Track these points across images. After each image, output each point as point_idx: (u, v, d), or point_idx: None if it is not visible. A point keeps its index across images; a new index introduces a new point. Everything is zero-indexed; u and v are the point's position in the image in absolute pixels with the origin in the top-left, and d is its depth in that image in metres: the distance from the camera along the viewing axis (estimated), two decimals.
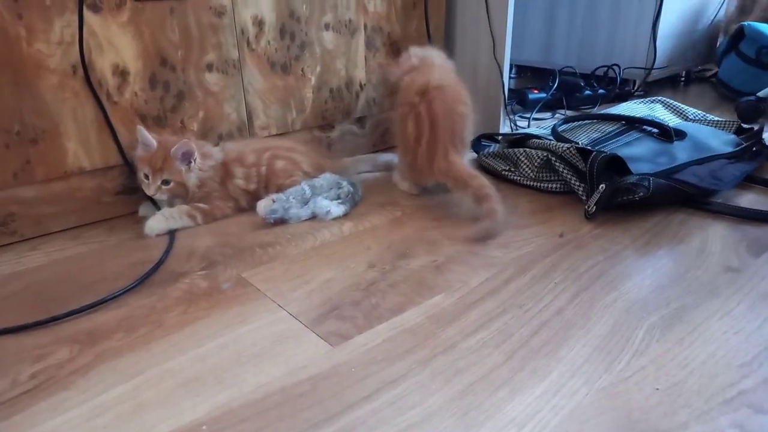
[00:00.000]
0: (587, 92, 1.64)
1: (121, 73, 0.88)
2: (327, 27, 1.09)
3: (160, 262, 0.80)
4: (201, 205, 0.92)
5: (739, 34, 1.63)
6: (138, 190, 0.92)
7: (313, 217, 0.93)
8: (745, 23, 1.61)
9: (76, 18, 0.82)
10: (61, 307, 0.69)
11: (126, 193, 0.95)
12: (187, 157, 0.89)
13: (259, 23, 1.00)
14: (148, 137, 0.87)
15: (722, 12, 1.90)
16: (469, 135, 1.01)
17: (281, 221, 0.91)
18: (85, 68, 0.84)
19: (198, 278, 0.76)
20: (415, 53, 1.05)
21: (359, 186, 1.00)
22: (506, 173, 1.09)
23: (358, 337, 0.63)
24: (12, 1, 0.77)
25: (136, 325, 0.66)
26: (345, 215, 0.94)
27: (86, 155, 0.89)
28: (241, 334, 0.64)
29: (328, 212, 0.92)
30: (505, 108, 1.29)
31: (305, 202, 0.93)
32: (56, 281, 0.77)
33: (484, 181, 0.90)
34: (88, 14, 0.83)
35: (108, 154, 0.91)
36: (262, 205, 0.91)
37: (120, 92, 0.89)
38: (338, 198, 0.95)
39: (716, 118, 1.23)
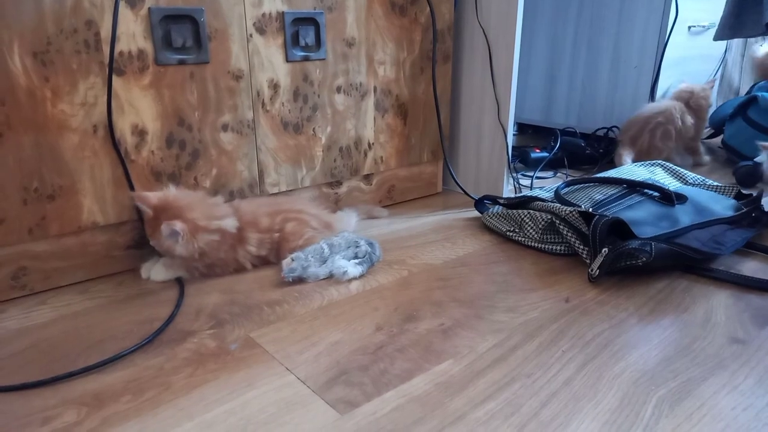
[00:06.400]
0: (588, 152, 1.68)
1: (140, 133, 0.91)
2: (339, 90, 1.13)
3: (169, 321, 0.80)
4: (201, 268, 0.93)
5: (750, 102, 1.64)
6: (147, 245, 0.93)
7: (331, 276, 0.94)
8: (759, 94, 1.63)
9: (100, 80, 0.85)
10: (68, 366, 0.69)
11: (136, 248, 0.97)
12: (174, 236, 0.87)
13: (275, 86, 1.04)
14: (143, 206, 0.88)
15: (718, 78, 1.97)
16: None
17: (299, 280, 0.92)
18: (112, 129, 0.87)
19: (206, 338, 0.76)
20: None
21: (377, 245, 1.00)
22: (510, 234, 1.10)
23: (366, 405, 0.62)
24: (41, 65, 0.80)
25: (144, 387, 0.66)
26: (361, 276, 0.94)
27: (100, 211, 0.90)
28: (249, 399, 0.64)
29: (345, 273, 0.92)
30: (509, 168, 1.32)
31: (324, 261, 0.94)
32: (64, 338, 0.77)
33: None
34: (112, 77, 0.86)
35: (121, 210, 0.92)
36: (283, 264, 0.92)
37: (138, 151, 0.91)
38: (355, 257, 0.95)
39: (716, 183, 1.26)
